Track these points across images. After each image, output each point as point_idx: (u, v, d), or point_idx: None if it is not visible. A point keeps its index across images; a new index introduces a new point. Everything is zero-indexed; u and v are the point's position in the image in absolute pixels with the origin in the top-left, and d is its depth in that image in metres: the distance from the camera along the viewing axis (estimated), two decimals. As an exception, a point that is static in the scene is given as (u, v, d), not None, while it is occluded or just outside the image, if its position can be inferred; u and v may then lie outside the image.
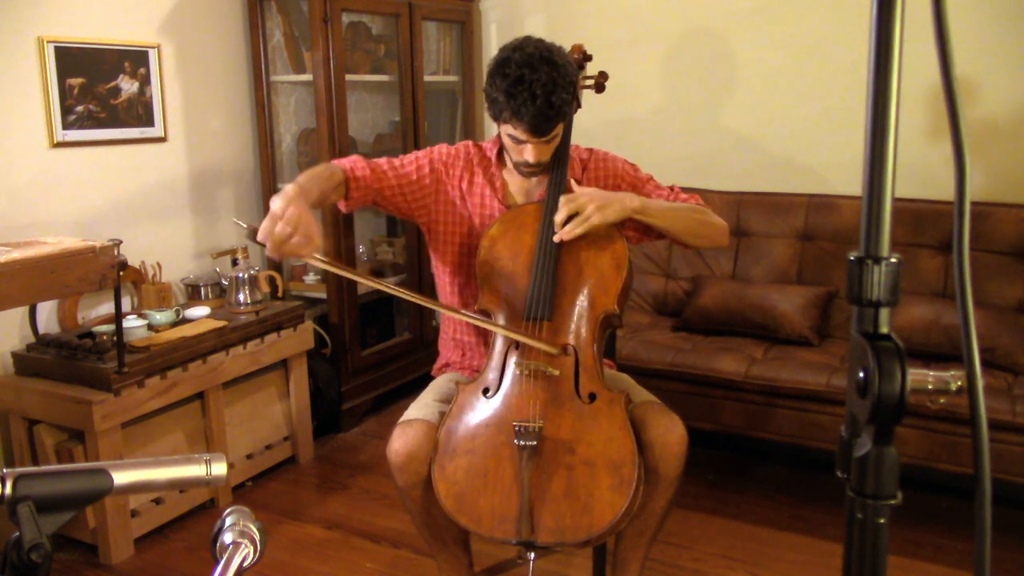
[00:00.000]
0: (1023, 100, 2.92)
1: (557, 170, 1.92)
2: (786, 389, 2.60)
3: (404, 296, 1.79)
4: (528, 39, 1.84)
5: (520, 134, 1.81)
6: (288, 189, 1.64)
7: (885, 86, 0.71)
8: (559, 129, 1.85)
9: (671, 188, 2.02)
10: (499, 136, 1.95)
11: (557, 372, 1.75)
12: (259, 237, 1.57)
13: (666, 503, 1.81)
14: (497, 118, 1.84)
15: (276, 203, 1.58)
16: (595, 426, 1.70)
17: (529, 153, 1.84)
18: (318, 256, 1.63)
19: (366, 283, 1.85)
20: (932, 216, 2.91)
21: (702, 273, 3.20)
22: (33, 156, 2.68)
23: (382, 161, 1.96)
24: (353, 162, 1.91)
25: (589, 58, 2.10)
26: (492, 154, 2.02)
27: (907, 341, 2.74)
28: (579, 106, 2.05)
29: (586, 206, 1.79)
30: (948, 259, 2.88)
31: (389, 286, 1.84)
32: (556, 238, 1.81)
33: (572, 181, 1.95)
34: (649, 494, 1.77)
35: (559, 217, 1.80)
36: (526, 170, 1.91)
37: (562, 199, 1.81)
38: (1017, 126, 2.94)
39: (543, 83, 1.74)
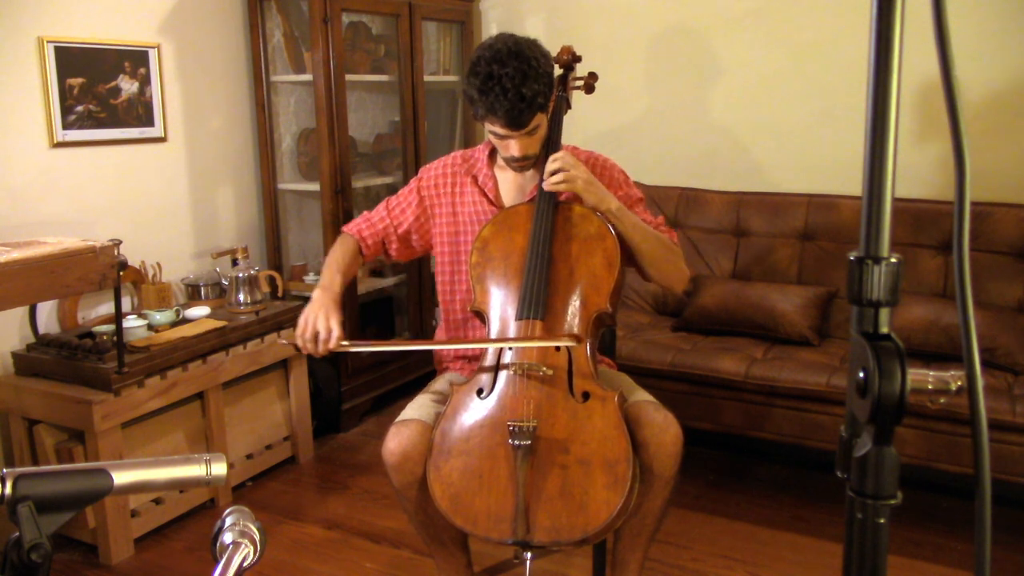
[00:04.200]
0: (1022, 99, 2.92)
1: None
2: (786, 389, 2.60)
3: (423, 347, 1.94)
4: (500, 36, 1.85)
5: (499, 129, 1.84)
6: (314, 295, 1.88)
7: (885, 86, 0.71)
8: (538, 120, 1.85)
9: (656, 218, 2.01)
10: None
11: (551, 371, 1.75)
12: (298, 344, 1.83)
13: (663, 502, 1.81)
14: (476, 116, 1.87)
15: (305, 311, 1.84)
16: (589, 425, 1.70)
17: (514, 148, 1.87)
18: (344, 344, 1.81)
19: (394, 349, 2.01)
20: (932, 216, 2.91)
21: (702, 273, 3.20)
22: (33, 156, 2.68)
23: (381, 207, 2.12)
24: (359, 226, 2.10)
25: (578, 59, 2.10)
26: (483, 155, 2.04)
27: (907, 341, 2.74)
28: (569, 107, 2.05)
29: (575, 176, 1.82)
30: (948, 259, 2.88)
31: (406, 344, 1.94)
32: (545, 185, 1.84)
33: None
34: (645, 493, 1.77)
35: (551, 167, 1.83)
36: (515, 165, 1.94)
37: (559, 155, 1.85)
38: (1017, 126, 2.94)
39: (511, 76, 1.76)
